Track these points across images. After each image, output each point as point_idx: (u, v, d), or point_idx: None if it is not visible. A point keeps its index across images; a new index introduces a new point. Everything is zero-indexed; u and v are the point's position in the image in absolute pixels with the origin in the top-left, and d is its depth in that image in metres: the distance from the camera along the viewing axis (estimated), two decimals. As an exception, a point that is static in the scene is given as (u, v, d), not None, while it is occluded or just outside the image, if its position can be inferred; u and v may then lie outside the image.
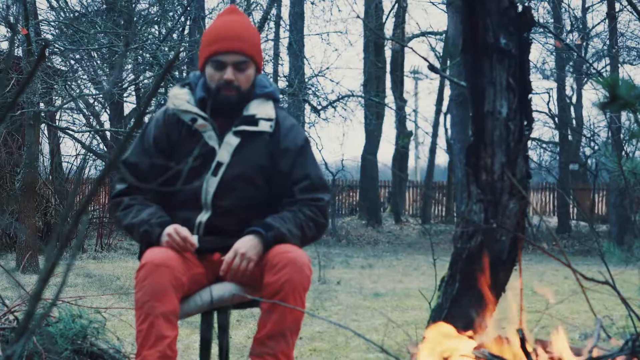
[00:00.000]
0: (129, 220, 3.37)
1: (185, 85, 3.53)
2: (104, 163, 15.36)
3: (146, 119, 3.88)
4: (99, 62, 15.17)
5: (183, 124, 3.44)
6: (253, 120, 3.43)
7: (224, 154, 3.40)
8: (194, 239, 3.32)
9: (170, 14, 15.07)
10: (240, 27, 3.43)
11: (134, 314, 3.21)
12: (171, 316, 3.15)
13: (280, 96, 17.71)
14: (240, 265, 3.27)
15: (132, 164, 3.48)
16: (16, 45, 10.07)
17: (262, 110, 3.46)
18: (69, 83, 13.45)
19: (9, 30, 12.93)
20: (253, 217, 3.42)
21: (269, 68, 18.14)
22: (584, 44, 19.39)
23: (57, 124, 14.76)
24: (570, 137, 22.08)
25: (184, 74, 15.13)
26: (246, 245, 3.29)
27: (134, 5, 14.73)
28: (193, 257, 3.35)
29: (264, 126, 3.43)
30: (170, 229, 3.28)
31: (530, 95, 2.79)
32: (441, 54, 26.48)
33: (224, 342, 3.55)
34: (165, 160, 3.42)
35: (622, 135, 15.76)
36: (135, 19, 14.54)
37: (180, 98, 3.45)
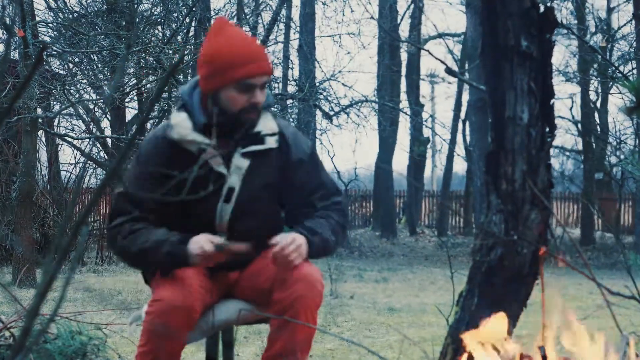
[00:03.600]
0: (139, 245, 3.23)
1: (181, 108, 3.38)
2: (104, 172, 15.40)
3: (149, 125, 3.74)
4: (99, 65, 15.19)
5: (186, 151, 3.31)
6: (259, 138, 3.36)
7: (234, 179, 3.33)
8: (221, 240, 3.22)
9: (175, 14, 15.10)
10: (255, 44, 3.34)
11: (137, 330, 3.22)
12: (177, 353, 3.18)
13: (290, 101, 17.69)
14: (292, 253, 3.16)
15: (131, 195, 3.34)
16: (12, 47, 10.12)
17: (265, 125, 3.38)
18: (67, 87, 13.51)
19: (5, 32, 12.99)
20: (269, 233, 3.38)
21: (278, 71, 18.16)
22: (609, 46, 19.36)
23: (55, 130, 14.80)
24: (594, 145, 22.03)
25: (189, 78, 15.16)
26: (301, 239, 3.22)
27: (136, 6, 14.76)
28: (207, 282, 3.29)
29: (271, 142, 3.37)
30: (200, 240, 3.18)
31: (552, 101, 2.79)
32: (459, 57, 26.47)
33: (229, 359, 3.56)
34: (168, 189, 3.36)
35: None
36: (137, 20, 14.57)
37: (183, 126, 3.31)
